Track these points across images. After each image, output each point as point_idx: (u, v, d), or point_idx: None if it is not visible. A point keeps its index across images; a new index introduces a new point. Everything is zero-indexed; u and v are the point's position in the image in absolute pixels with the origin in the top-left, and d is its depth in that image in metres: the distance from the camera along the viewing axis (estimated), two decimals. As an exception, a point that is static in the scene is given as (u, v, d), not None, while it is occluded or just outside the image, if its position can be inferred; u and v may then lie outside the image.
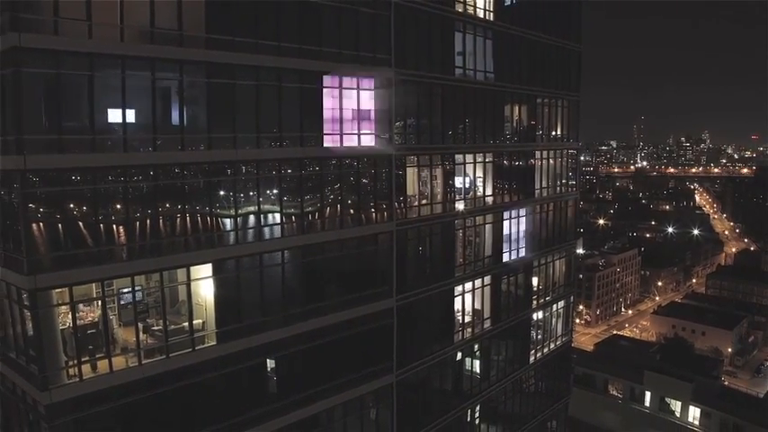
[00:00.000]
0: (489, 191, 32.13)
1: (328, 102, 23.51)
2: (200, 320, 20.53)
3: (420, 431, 28.69)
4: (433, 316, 29.59)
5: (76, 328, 17.54)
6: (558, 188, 38.33)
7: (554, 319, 39.04)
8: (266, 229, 21.73)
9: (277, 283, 22.57)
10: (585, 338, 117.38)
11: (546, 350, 38.22)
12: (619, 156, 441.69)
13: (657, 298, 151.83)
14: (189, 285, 19.81)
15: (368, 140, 25.26)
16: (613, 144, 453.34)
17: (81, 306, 18.55)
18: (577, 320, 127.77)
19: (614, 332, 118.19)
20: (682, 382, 58.79)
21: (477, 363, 32.56)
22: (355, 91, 24.54)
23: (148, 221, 18.68)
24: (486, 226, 32.17)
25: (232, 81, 20.28)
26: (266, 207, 21.81)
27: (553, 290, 38.55)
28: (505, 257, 33.52)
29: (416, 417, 28.60)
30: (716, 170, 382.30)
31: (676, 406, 59.41)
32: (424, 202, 28.30)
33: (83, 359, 17.66)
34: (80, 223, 17.54)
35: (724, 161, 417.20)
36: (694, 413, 58.11)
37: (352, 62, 23.86)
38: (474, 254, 31.63)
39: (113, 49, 17.41)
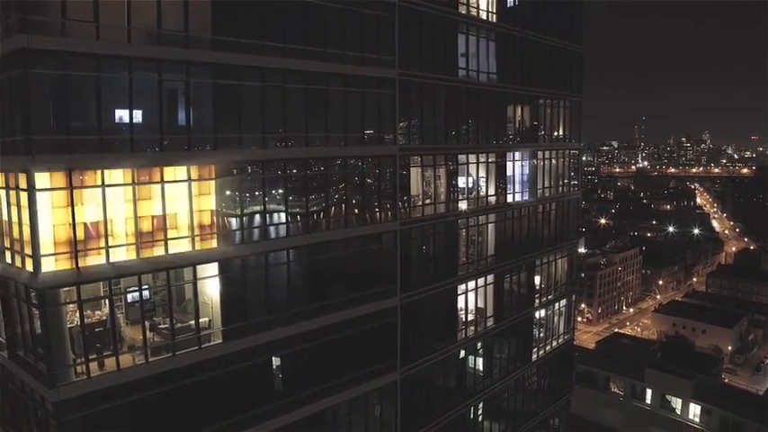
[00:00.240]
0: (492, 190, 32.32)
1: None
2: (207, 318, 20.67)
3: (424, 428, 28.86)
4: (436, 314, 29.73)
5: (84, 327, 17.65)
6: (561, 188, 38.48)
7: (556, 318, 39.20)
8: (272, 229, 21.88)
9: (282, 282, 22.73)
10: (587, 336, 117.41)
11: (548, 348, 38.39)
12: (620, 156, 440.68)
13: (658, 296, 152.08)
14: (195, 284, 19.94)
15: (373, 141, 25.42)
16: (615, 144, 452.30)
17: (88, 304, 18.65)
18: (579, 319, 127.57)
19: (615, 330, 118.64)
20: (682, 380, 59.01)
21: (480, 360, 32.69)
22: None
23: (154, 221, 18.85)
24: (489, 225, 32.34)
25: (238, 82, 20.45)
26: (271, 207, 21.98)
27: (555, 288, 38.71)
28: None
29: (420, 414, 28.77)
30: (716, 170, 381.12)
31: (677, 403, 59.62)
32: (427, 201, 28.48)
33: (90, 357, 17.80)
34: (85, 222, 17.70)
35: (724, 161, 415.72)
36: (695, 410, 58.31)
37: (356, 63, 23.99)
38: (477, 253, 31.80)
39: (120, 51, 17.55)
